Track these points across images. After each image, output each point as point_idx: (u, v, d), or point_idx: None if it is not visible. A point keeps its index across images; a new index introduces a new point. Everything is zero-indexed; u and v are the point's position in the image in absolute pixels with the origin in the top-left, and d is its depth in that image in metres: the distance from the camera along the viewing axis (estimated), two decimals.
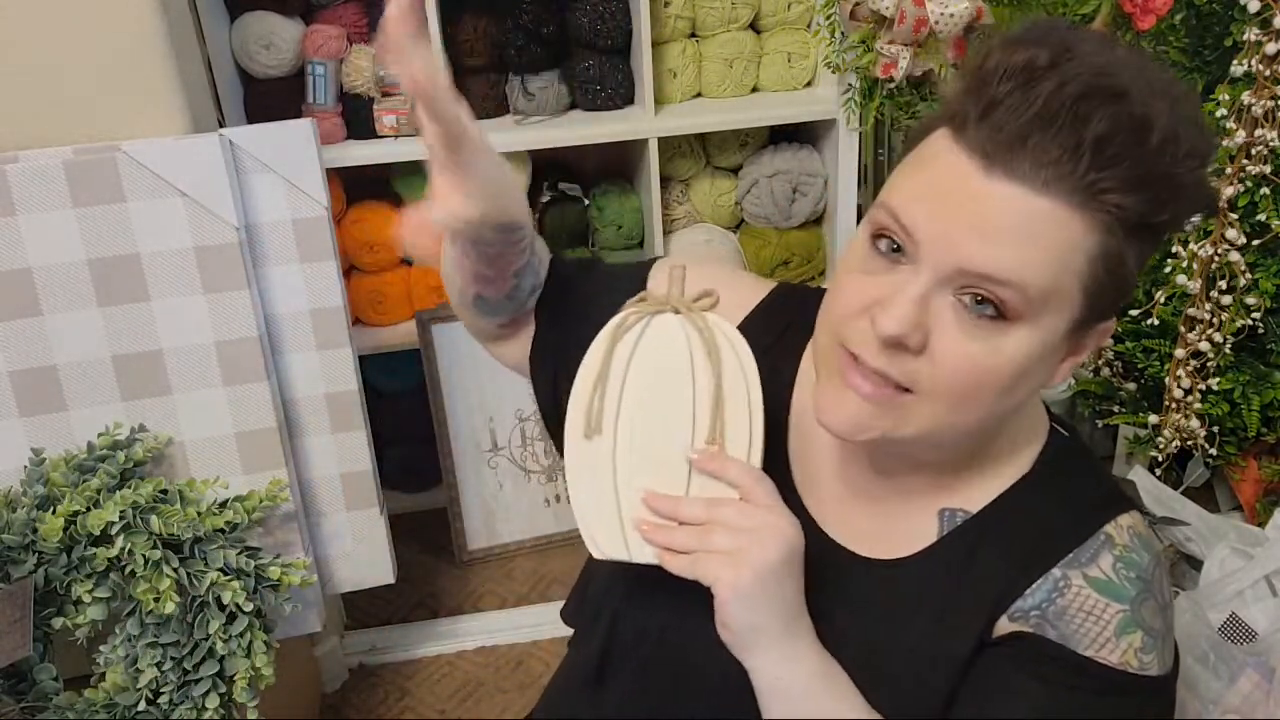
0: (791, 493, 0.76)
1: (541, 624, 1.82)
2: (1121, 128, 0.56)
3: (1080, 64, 0.57)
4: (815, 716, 0.67)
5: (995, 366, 0.61)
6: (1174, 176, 0.58)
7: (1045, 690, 0.67)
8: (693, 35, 1.92)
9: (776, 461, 0.77)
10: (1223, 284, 1.26)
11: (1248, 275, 1.24)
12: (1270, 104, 1.15)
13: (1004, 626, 0.70)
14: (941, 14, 1.53)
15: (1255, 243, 1.24)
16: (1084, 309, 0.62)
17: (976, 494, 0.72)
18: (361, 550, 1.39)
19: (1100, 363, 1.60)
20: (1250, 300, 1.26)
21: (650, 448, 0.70)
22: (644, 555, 0.69)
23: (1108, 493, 0.73)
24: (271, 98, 1.78)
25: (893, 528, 0.74)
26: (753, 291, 0.85)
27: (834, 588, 0.72)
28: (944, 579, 0.71)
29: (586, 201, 1.99)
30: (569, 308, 0.84)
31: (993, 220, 0.58)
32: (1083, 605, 0.67)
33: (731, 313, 0.80)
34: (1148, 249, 0.63)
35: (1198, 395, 1.35)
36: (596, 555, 0.71)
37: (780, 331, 0.81)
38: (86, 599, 1.10)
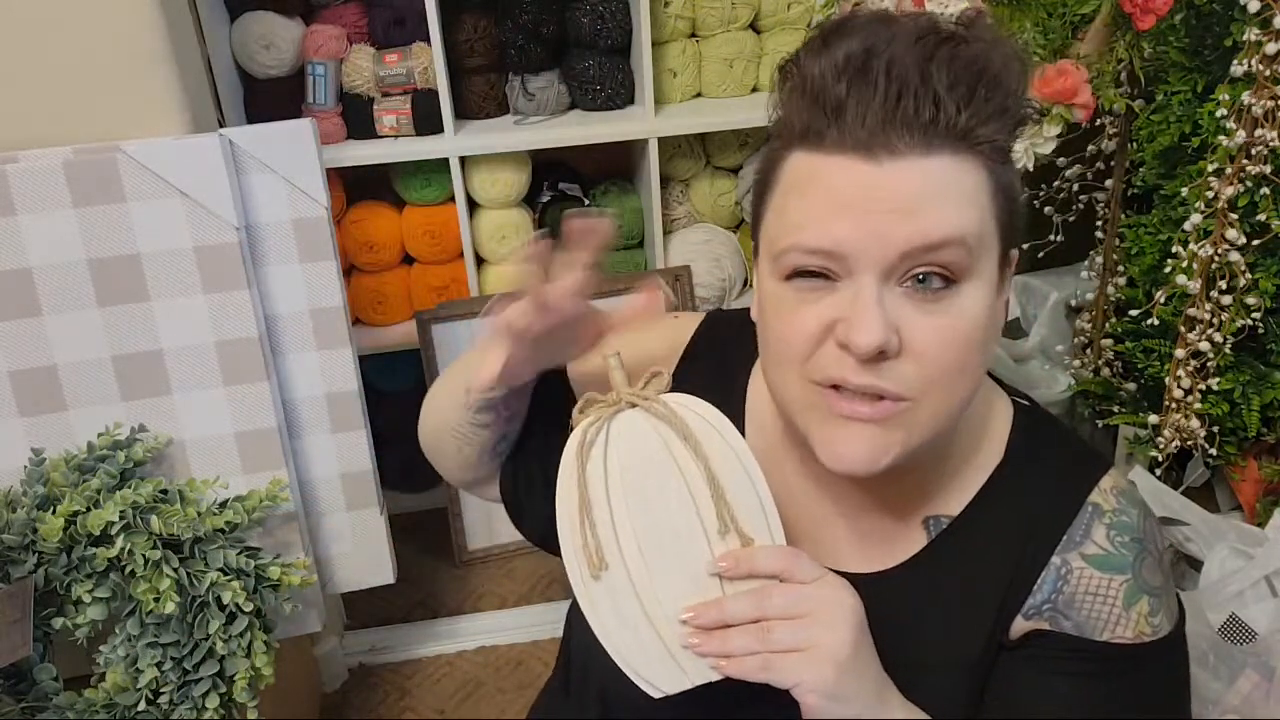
0: None
1: (541, 624, 1.82)
2: (968, 68, 0.59)
3: (895, 31, 0.60)
4: None
5: (968, 330, 0.61)
6: (1015, 96, 0.61)
7: (1072, 683, 0.67)
8: (693, 35, 1.92)
9: None
10: (1223, 284, 1.26)
11: (1248, 275, 1.24)
12: (1270, 104, 1.15)
13: (1020, 626, 0.70)
14: (940, 14, 1.53)
15: (1255, 243, 1.24)
16: (1001, 243, 0.64)
17: (956, 495, 0.72)
18: (361, 550, 1.39)
19: (1100, 363, 1.60)
20: (1250, 300, 1.26)
21: (667, 562, 0.63)
22: (705, 674, 0.62)
23: (1082, 457, 0.73)
24: (271, 98, 1.78)
25: (880, 542, 0.73)
26: (682, 332, 0.84)
27: None
28: (939, 585, 0.71)
29: (586, 201, 1.99)
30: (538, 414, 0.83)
31: (905, 197, 0.58)
32: (1088, 588, 0.68)
33: (667, 362, 0.81)
34: (1014, 169, 0.65)
35: (1198, 395, 1.34)
36: (657, 696, 0.63)
37: (717, 367, 0.81)
38: (86, 599, 1.10)
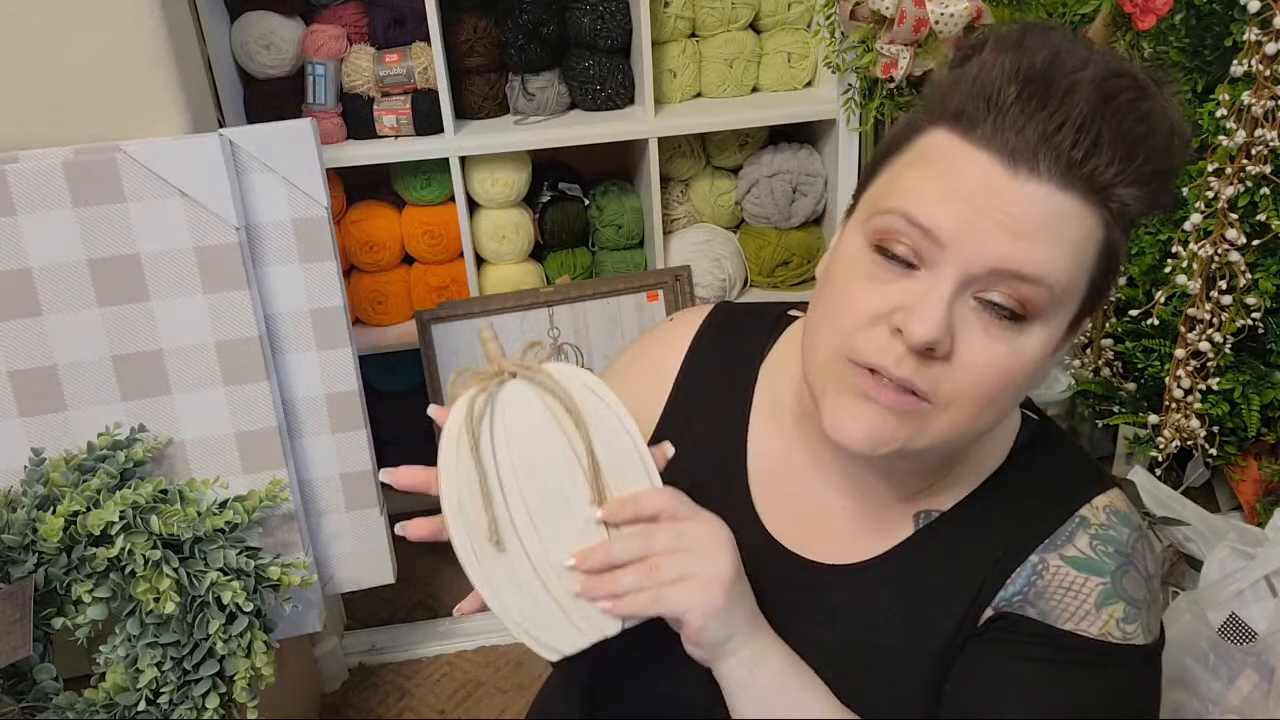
0: (756, 525, 0.76)
1: None
2: (1139, 126, 0.58)
3: (1092, 63, 0.59)
4: (785, 708, 0.66)
5: (1017, 368, 0.61)
6: (1173, 174, 0.61)
7: (1031, 669, 0.67)
8: (693, 35, 1.92)
9: (738, 499, 0.76)
10: (1223, 284, 1.26)
11: (1248, 275, 1.24)
12: (1270, 104, 1.15)
13: (989, 616, 0.70)
14: (941, 14, 1.53)
15: (1255, 243, 1.24)
16: (1084, 304, 0.63)
17: (951, 493, 0.73)
18: (361, 550, 1.39)
19: (1100, 363, 1.60)
20: (1250, 300, 1.26)
21: (556, 528, 0.64)
22: (598, 628, 0.64)
23: (1082, 475, 0.73)
24: (271, 98, 1.78)
25: (870, 535, 0.74)
26: (685, 327, 0.84)
27: (809, 603, 0.73)
28: (916, 575, 0.71)
29: (586, 201, 1.99)
30: None
31: (1020, 217, 0.58)
32: (1062, 582, 0.68)
33: (672, 352, 0.82)
34: (1125, 245, 0.64)
35: (1198, 395, 1.35)
36: (555, 659, 0.64)
37: (725, 357, 0.81)
38: (86, 599, 1.10)
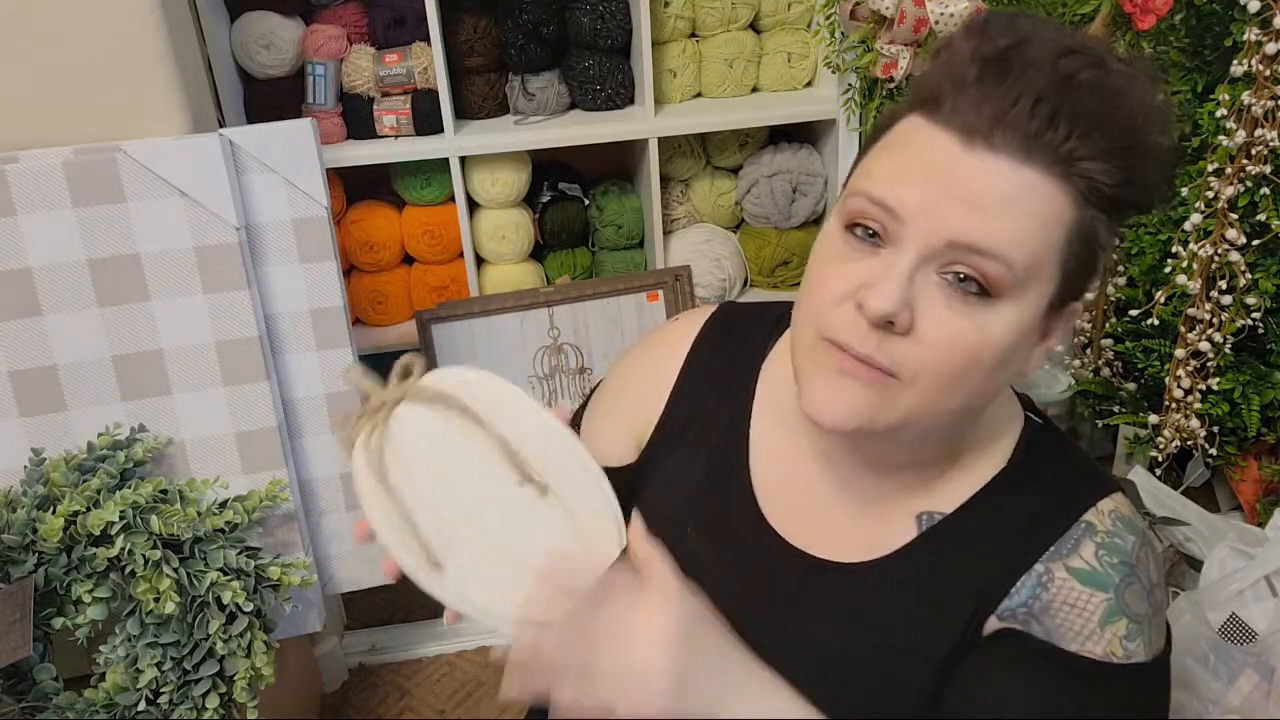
0: (760, 521, 0.76)
1: None
2: (1098, 99, 0.59)
3: (1051, 42, 0.60)
4: None
5: (982, 344, 0.61)
6: (1145, 150, 0.61)
7: (1033, 688, 0.66)
8: (693, 35, 1.92)
9: (740, 496, 0.77)
10: (1223, 284, 1.27)
11: (1248, 275, 1.24)
12: (1270, 104, 1.15)
13: (993, 625, 0.70)
14: (941, 14, 1.53)
15: (1255, 243, 1.24)
16: (1060, 286, 0.63)
17: (952, 495, 0.72)
18: (361, 550, 1.39)
19: (1100, 363, 1.60)
20: (1250, 300, 1.26)
21: (495, 515, 0.65)
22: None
23: (1085, 479, 0.73)
24: (271, 98, 1.78)
25: (871, 533, 0.74)
26: (687, 328, 0.85)
27: (812, 599, 0.72)
28: (921, 579, 0.71)
29: (586, 201, 1.99)
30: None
31: (978, 192, 0.59)
32: (1066, 598, 0.68)
33: (673, 352, 0.82)
34: (1114, 228, 0.64)
35: (1198, 395, 1.35)
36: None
37: (726, 357, 0.82)
38: (86, 599, 1.10)
